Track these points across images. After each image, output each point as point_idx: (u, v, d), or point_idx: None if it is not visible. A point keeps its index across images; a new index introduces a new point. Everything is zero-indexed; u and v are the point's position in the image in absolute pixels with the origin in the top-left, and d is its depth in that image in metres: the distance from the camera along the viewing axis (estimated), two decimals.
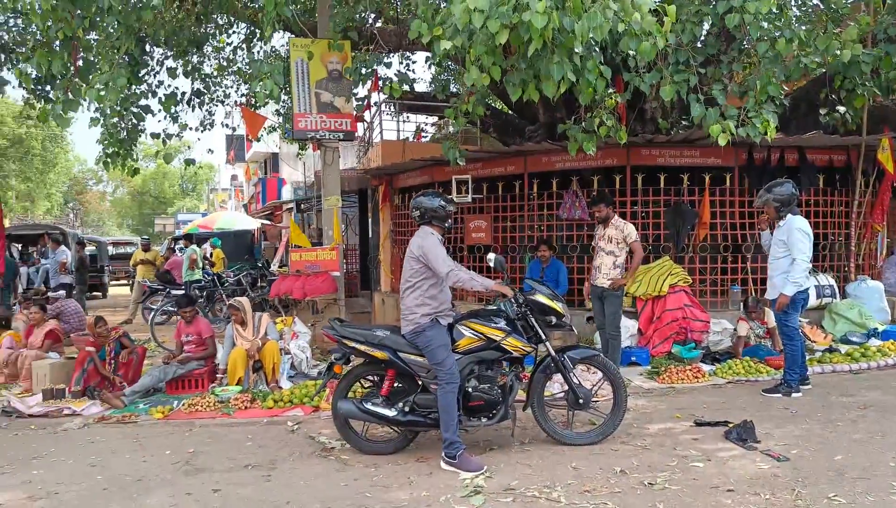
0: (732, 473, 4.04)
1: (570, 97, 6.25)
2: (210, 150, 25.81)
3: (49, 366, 6.78)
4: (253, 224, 21.36)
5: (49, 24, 6.56)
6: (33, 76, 8.94)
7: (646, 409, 5.67)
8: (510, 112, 11.75)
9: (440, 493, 3.82)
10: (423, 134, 14.10)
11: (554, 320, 4.74)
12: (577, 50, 5.04)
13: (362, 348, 4.65)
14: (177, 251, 14.87)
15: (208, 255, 14.16)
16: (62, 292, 10.50)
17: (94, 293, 17.92)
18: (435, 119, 15.64)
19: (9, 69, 10.35)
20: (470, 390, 4.56)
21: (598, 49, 5.72)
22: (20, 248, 13.43)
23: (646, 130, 8.62)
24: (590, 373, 5.96)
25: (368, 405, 4.61)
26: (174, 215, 47.88)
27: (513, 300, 4.66)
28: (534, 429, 4.89)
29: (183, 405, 5.98)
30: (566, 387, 4.81)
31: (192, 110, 10.85)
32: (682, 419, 5.31)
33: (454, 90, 10.89)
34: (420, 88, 14.09)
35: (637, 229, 6.60)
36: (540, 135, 9.75)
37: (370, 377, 4.90)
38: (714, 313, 7.84)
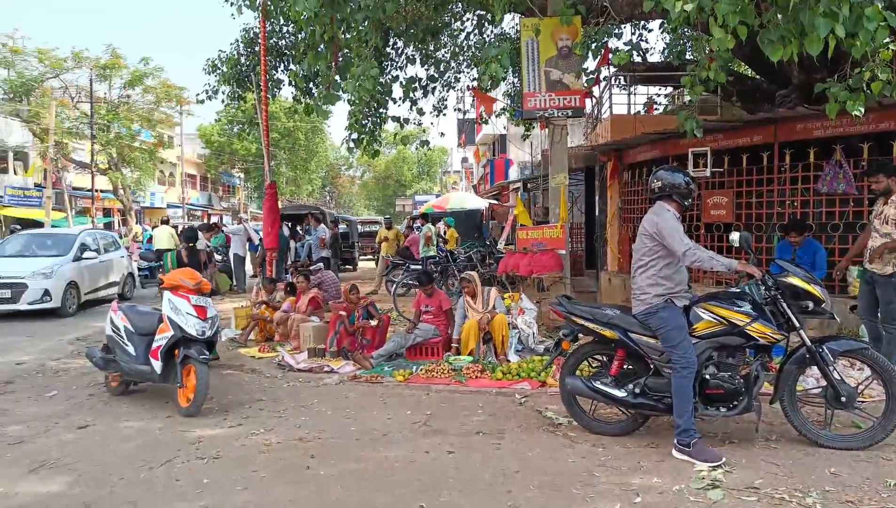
0: None
1: (834, 54, 5.43)
2: (441, 133, 27.53)
3: (312, 328, 7.78)
4: (481, 204, 22.18)
5: (313, 28, 7.43)
6: (301, 76, 10.29)
7: None
8: (756, 76, 10.61)
9: (673, 482, 3.65)
10: (654, 106, 13.37)
11: (811, 305, 4.21)
12: None
13: (591, 325, 4.60)
14: (415, 229, 16.05)
15: (442, 233, 15.05)
16: (321, 265, 11.96)
17: (346, 267, 20.09)
18: (668, 90, 14.72)
19: (282, 71, 11.96)
20: (707, 377, 4.27)
21: None
22: (290, 226, 15.62)
23: None
24: (854, 369, 5.21)
25: (597, 384, 4.56)
26: (411, 196, 51.72)
27: (760, 282, 4.23)
28: (781, 426, 4.42)
29: (421, 370, 6.48)
30: (823, 382, 4.26)
31: (425, 96, 11.52)
32: None
33: (690, 57, 10.12)
34: (652, 58, 13.35)
35: None
36: (793, 99, 8.66)
37: (598, 356, 4.83)
38: None
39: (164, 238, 14.71)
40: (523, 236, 8.81)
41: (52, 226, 29.48)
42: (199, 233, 12.01)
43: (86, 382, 6.44)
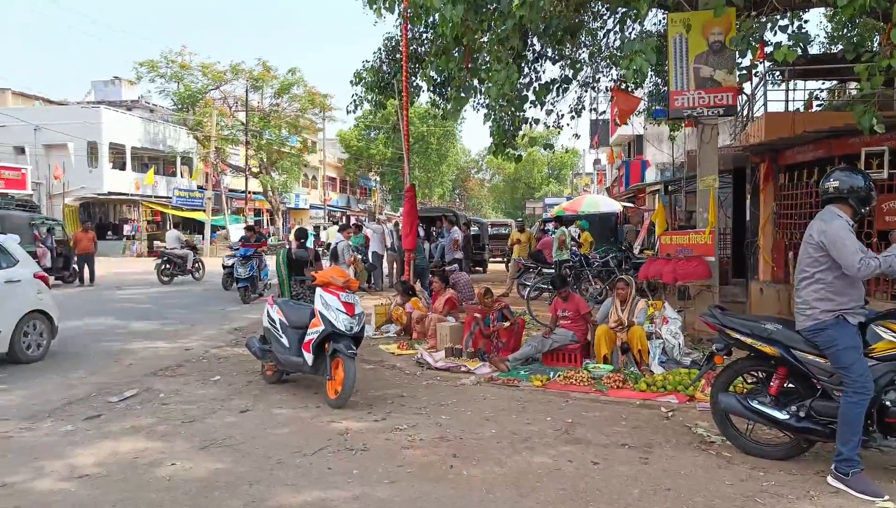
0: None
1: None
2: (577, 134, 26.87)
3: (449, 328, 7.91)
4: (616, 207, 21.49)
5: (447, 31, 7.50)
6: (436, 80, 10.52)
7: None
8: None
9: None
10: (816, 102, 12.25)
11: None
12: None
13: (748, 340, 4.29)
14: (548, 233, 15.86)
15: (576, 236, 14.74)
16: (456, 266, 12.15)
17: (476, 268, 20.26)
18: (829, 84, 13.44)
19: (420, 77, 12.28)
20: (888, 404, 3.84)
21: None
22: (424, 228, 16.02)
23: None
24: None
25: (754, 403, 4.25)
26: (541, 199, 51.35)
27: None
28: None
29: (559, 376, 6.37)
30: None
31: (561, 96, 11.34)
32: None
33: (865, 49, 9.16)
34: (813, 49, 12.27)
35: None
36: None
37: (754, 373, 4.50)
38: None
39: (332, 235, 16.80)
40: (667, 241, 8.41)
41: (212, 226, 32.43)
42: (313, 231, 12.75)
43: (244, 369, 6.97)
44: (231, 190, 36.45)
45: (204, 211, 32.33)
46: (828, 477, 3.75)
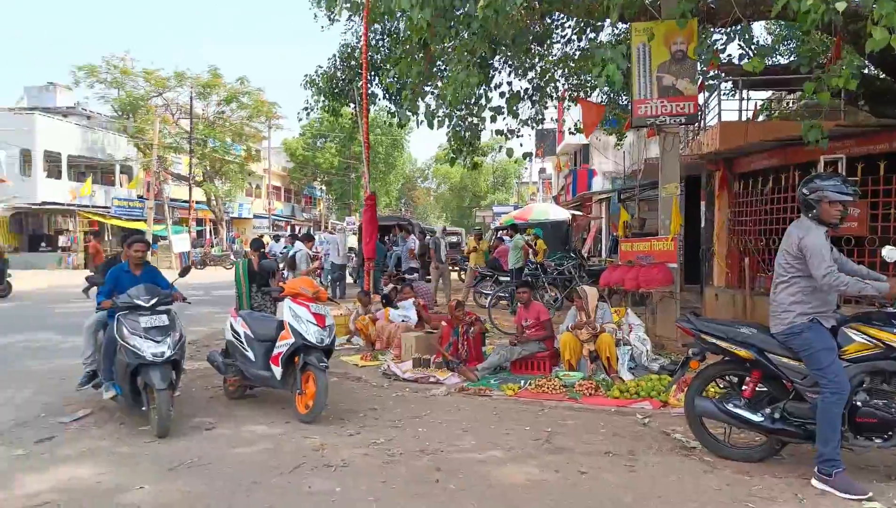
0: None
1: None
2: (539, 147, 26.91)
3: (414, 338, 7.77)
4: (566, 215, 21.76)
5: (414, 35, 7.39)
6: (395, 87, 10.37)
7: None
8: (886, 77, 9.88)
9: None
10: (761, 112, 12.72)
11: None
12: None
13: (724, 345, 4.34)
14: (504, 241, 15.89)
15: (532, 244, 14.83)
16: (415, 275, 12.02)
17: (429, 277, 20.13)
18: (768, 94, 13.99)
19: (376, 84, 12.13)
20: (859, 404, 3.93)
21: None
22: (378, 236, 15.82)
23: None
24: None
25: (729, 407, 4.30)
26: (489, 206, 51.68)
27: None
28: None
29: (530, 384, 6.31)
30: None
31: (532, 107, 11.39)
32: None
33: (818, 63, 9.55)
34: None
35: None
36: None
37: (726, 378, 4.54)
38: None
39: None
40: (627, 248, 8.51)
41: (153, 236, 31.26)
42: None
43: (204, 384, 6.65)
44: (173, 199, 35.27)
45: (144, 221, 31.16)
46: (812, 479, 3.80)
